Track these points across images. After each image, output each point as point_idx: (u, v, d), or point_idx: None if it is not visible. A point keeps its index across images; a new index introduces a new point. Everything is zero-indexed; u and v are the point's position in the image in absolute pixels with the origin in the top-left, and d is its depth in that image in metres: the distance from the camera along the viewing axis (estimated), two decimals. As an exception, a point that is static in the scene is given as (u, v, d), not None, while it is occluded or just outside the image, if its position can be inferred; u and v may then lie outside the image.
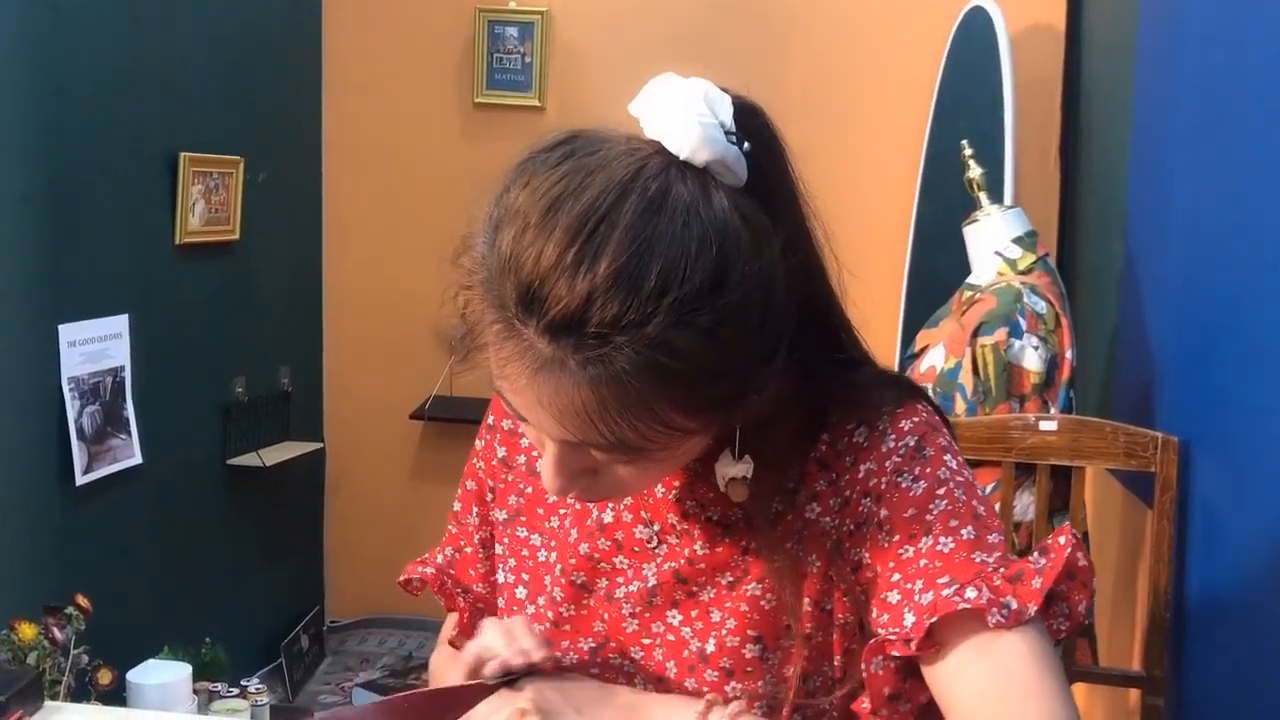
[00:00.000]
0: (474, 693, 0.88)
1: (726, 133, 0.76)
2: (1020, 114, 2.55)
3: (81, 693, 2.15)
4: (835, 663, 0.89)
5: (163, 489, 2.79)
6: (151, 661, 2.43)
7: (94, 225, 2.52)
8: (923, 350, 2.11)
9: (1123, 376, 2.34)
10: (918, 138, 3.01)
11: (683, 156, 0.75)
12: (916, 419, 0.88)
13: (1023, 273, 2.06)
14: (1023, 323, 1.95)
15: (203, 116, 2.90)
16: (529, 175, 0.76)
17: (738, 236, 0.73)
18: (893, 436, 0.87)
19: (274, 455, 3.18)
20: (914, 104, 3.04)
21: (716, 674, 0.89)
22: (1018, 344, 1.95)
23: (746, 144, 0.77)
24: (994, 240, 2.10)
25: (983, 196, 2.15)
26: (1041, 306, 1.97)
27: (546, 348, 0.72)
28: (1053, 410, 1.94)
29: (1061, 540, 0.82)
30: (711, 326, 0.72)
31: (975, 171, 2.15)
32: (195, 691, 2.45)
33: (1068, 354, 1.97)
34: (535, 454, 1.01)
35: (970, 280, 2.12)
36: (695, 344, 0.71)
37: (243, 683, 2.58)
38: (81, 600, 2.14)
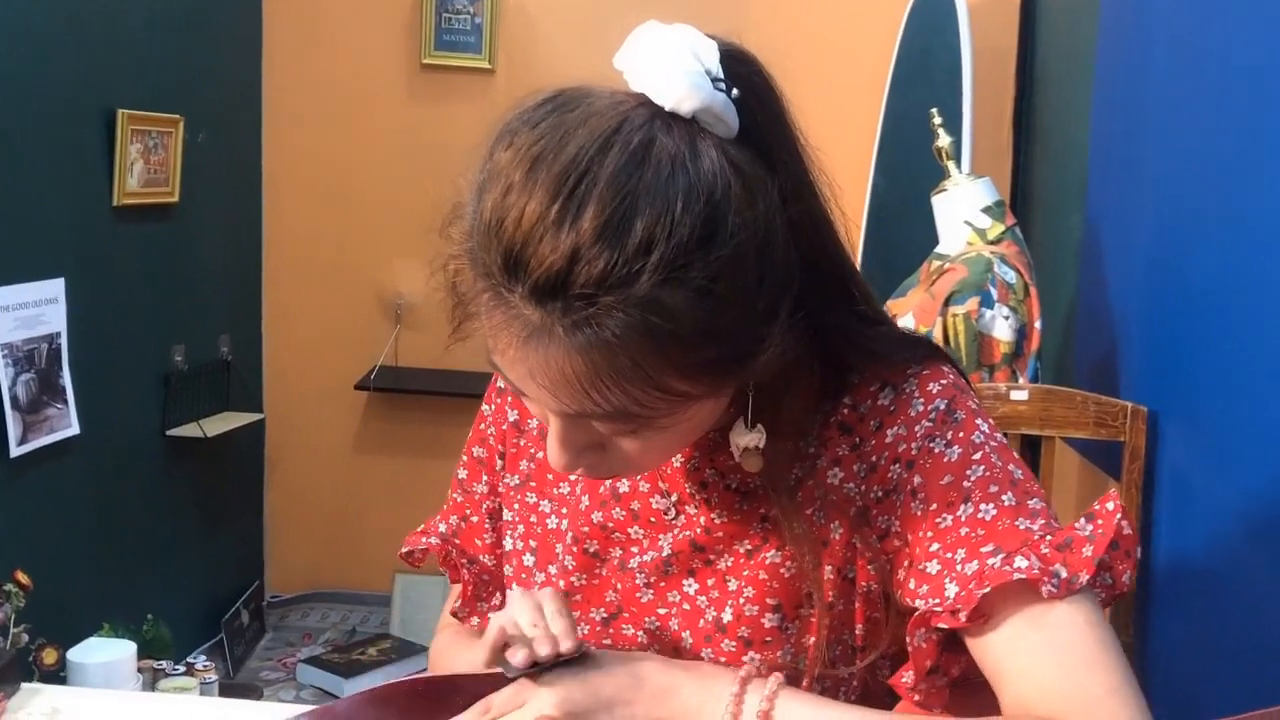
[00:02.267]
0: (490, 682, 0.84)
1: (714, 80, 0.73)
2: (975, 84, 2.53)
3: (23, 673, 2.06)
4: (857, 632, 0.87)
5: (101, 460, 2.70)
6: (93, 639, 2.35)
7: (28, 184, 2.41)
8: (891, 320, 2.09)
9: (1081, 347, 2.35)
10: (874, 109, 3.00)
11: (668, 107, 0.72)
12: (944, 381, 0.85)
13: (992, 242, 2.05)
14: (994, 292, 1.95)
15: (141, 72, 2.79)
16: (511, 135, 0.73)
17: (728, 187, 0.70)
18: (921, 400, 0.84)
19: (214, 426, 3.09)
20: (870, 75, 3.02)
21: (734, 643, 0.87)
22: (988, 314, 1.94)
23: (735, 91, 0.73)
24: (963, 209, 2.09)
25: (951, 166, 2.14)
26: (1011, 276, 1.97)
27: (534, 313, 0.69)
28: (1021, 380, 1.94)
29: (1110, 506, 0.80)
30: (704, 283, 0.68)
31: (944, 140, 2.14)
32: (139, 670, 2.37)
33: (1036, 324, 1.97)
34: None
35: (939, 250, 2.11)
36: (688, 303, 0.68)
37: (189, 660, 2.51)
38: (21, 576, 2.05)
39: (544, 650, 0.79)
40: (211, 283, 3.23)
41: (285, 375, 3.56)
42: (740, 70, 0.75)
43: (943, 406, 0.84)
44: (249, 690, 2.70)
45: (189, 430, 3.01)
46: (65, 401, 2.52)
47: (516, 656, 0.80)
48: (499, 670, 0.81)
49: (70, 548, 2.61)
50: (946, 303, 1.95)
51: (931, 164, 2.19)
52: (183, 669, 2.44)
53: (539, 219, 0.68)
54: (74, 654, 2.27)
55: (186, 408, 3.05)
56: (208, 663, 2.51)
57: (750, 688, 0.80)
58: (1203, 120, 1.66)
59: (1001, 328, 1.94)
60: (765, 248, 0.71)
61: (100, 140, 2.64)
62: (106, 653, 2.29)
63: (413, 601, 3.48)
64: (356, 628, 3.56)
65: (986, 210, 2.09)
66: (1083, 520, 0.80)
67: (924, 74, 2.77)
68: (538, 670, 0.81)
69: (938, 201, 2.14)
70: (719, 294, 0.69)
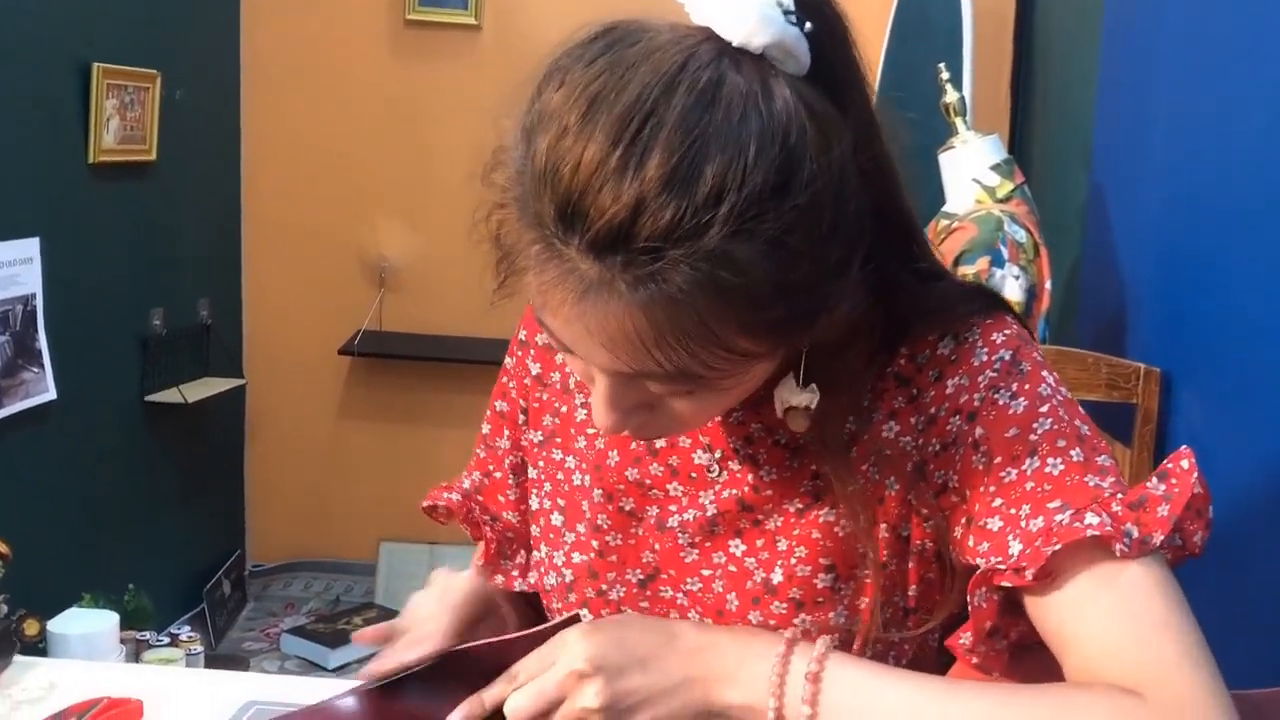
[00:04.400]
0: (507, 647, 0.81)
1: (785, 12, 0.67)
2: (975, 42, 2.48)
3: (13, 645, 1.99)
4: (910, 593, 0.83)
5: (79, 426, 2.63)
6: (74, 610, 2.29)
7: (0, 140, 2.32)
8: (898, 280, 2.05)
9: (1087, 308, 2.32)
10: (870, 69, 2.94)
11: (736, 42, 0.66)
12: (1008, 331, 0.80)
13: (1001, 200, 2.00)
14: (1004, 251, 1.90)
15: (117, 26, 2.70)
16: (564, 74, 0.66)
17: (803, 131, 0.65)
18: (984, 349, 0.79)
19: (194, 391, 3.03)
20: (868, 35, 2.96)
21: (785, 605, 0.83)
22: (999, 273, 1.90)
23: (809, 24, 0.67)
24: (971, 167, 2.04)
25: (959, 122, 2.08)
26: (1022, 235, 1.92)
27: (592, 268, 0.64)
28: (1032, 341, 1.90)
29: (1184, 464, 0.75)
30: (777, 235, 0.63)
31: (952, 96, 2.08)
32: (122, 641, 2.31)
33: (1046, 284, 1.93)
34: (570, 371, 0.93)
35: (946, 209, 2.07)
36: (759, 256, 0.63)
37: (173, 630, 2.45)
38: (1, 545, 1.98)
39: (389, 664, 0.84)
40: (191, 244, 3.15)
41: (266, 340, 3.49)
42: (811, 1, 0.69)
43: (1008, 357, 0.79)
44: (234, 661, 2.64)
45: (169, 396, 2.95)
46: (42, 366, 2.44)
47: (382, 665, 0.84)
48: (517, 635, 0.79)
49: (48, 516, 2.55)
50: (956, 262, 1.90)
51: (927, 124, 2.13)
52: (167, 640, 2.39)
53: (599, 165, 0.62)
54: (55, 625, 2.21)
55: (166, 373, 2.98)
56: (192, 633, 2.46)
57: (798, 650, 0.75)
58: (1218, 76, 1.63)
59: (1012, 288, 1.89)
60: (839, 196, 0.66)
61: (75, 95, 2.56)
62: (88, 624, 2.23)
63: (398, 570, 3.43)
64: (341, 597, 3.51)
65: (995, 168, 2.04)
66: (1154, 479, 0.75)
67: (922, 33, 2.71)
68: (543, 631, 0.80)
69: (945, 159, 2.09)
70: (792, 246, 0.64)
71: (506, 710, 0.77)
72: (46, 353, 2.45)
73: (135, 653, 2.33)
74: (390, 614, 3.28)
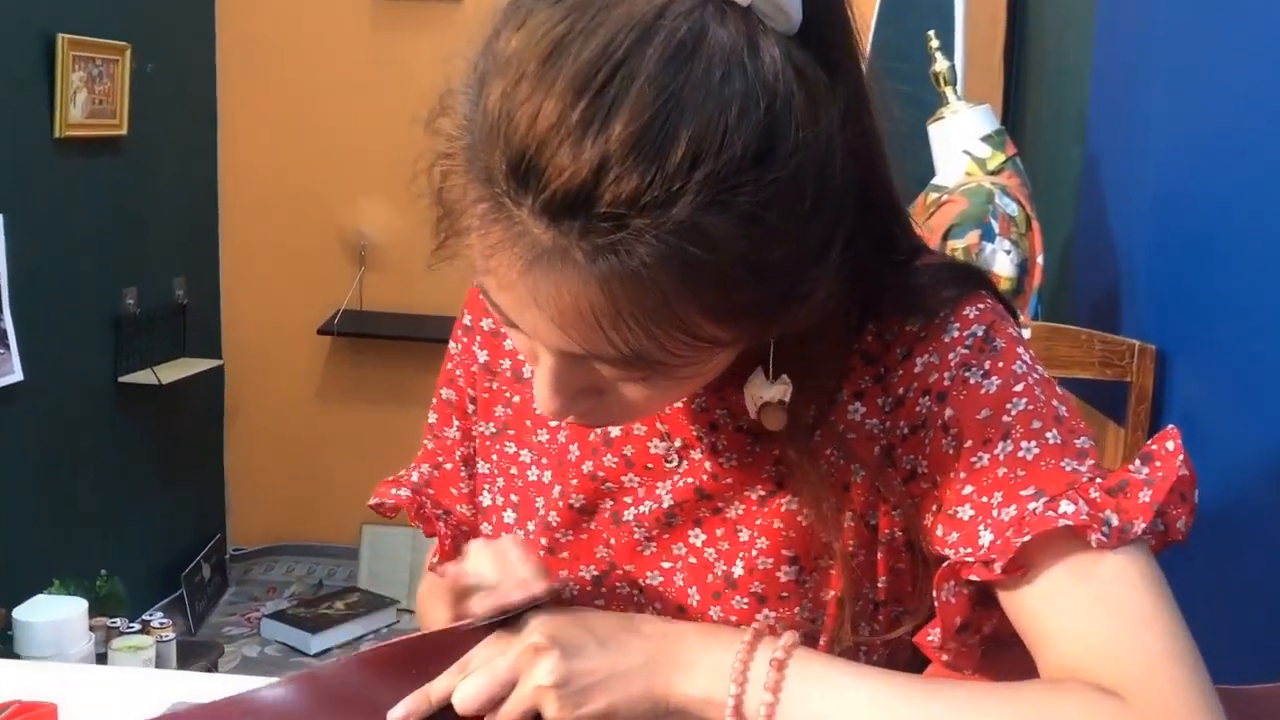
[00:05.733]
0: (463, 636, 0.74)
1: None
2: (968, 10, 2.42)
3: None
4: (879, 585, 0.77)
5: (48, 408, 2.58)
6: (41, 597, 2.23)
7: (-41, 112, 2.26)
8: (885, 256, 1.99)
9: (1080, 284, 2.27)
10: (863, 30, 2.87)
11: None
12: (982, 305, 0.74)
13: (992, 172, 1.95)
14: (995, 225, 1.84)
15: (83, -5, 2.62)
16: (525, 13, 0.59)
17: (790, 96, 0.58)
18: (956, 325, 0.73)
19: (169, 373, 2.97)
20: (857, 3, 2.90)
21: (746, 600, 0.77)
22: (989, 247, 1.84)
23: None
24: (962, 138, 1.98)
25: (949, 92, 2.02)
26: (1013, 208, 1.86)
27: (545, 233, 0.57)
28: (1023, 318, 1.85)
29: (1170, 445, 0.69)
30: (754, 210, 0.57)
31: (942, 64, 2.02)
32: (92, 628, 2.25)
33: (1039, 259, 1.88)
34: (523, 358, 0.85)
35: (936, 181, 2.01)
36: (733, 231, 0.57)
37: (144, 617, 2.39)
38: (-39, 531, 1.92)
39: (515, 596, 0.71)
40: (165, 222, 3.09)
41: (244, 320, 3.43)
42: None
43: (980, 333, 0.73)
44: (205, 648, 2.59)
45: (142, 377, 2.90)
46: (7, 346, 2.38)
47: (483, 605, 0.72)
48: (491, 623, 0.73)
49: (15, 500, 2.49)
50: (945, 236, 1.85)
51: (917, 95, 2.07)
52: (138, 627, 2.33)
53: (559, 119, 0.56)
54: (20, 613, 2.16)
55: (140, 354, 2.93)
56: (164, 620, 2.41)
57: (764, 641, 0.71)
58: (1219, 45, 1.58)
59: (1003, 262, 1.84)
60: (823, 172, 0.59)
61: (39, 68, 2.49)
62: (55, 611, 2.18)
63: (381, 554, 3.38)
64: (323, 581, 3.46)
65: (986, 139, 1.98)
66: (1138, 462, 0.69)
67: (913, 2, 2.65)
68: (507, 620, 0.72)
69: (934, 130, 2.02)
70: (770, 224, 0.57)
71: (455, 700, 0.70)
72: (12, 333, 2.39)
73: (105, 640, 2.27)
74: (373, 598, 3.25)
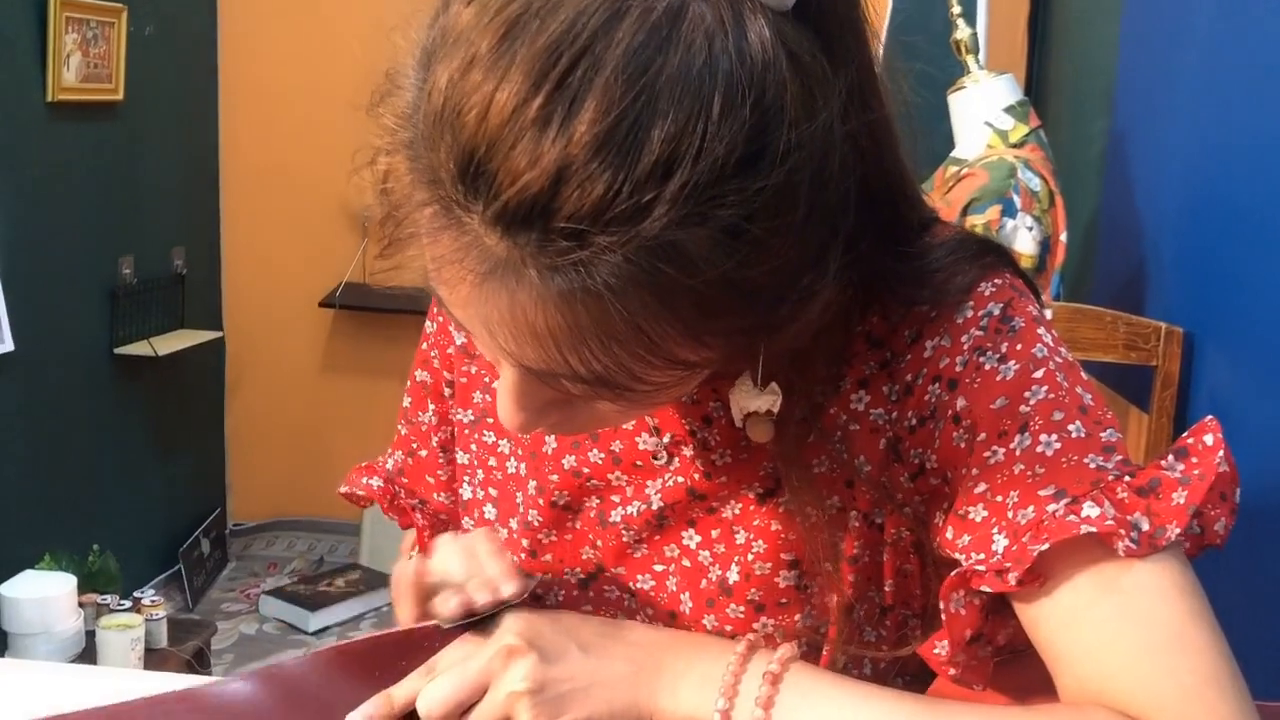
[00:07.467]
0: (433, 635, 0.68)
1: None
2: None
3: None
4: (886, 588, 0.70)
5: (41, 380, 2.53)
6: (29, 572, 2.19)
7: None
8: (902, 231, 1.92)
9: (1104, 263, 2.21)
10: (880, 5, 2.79)
11: None
12: (999, 281, 0.67)
13: (1015, 145, 1.87)
14: (1017, 200, 1.77)
15: (76, -46, 2.55)
16: None
17: (782, 86, 0.50)
18: (970, 304, 0.66)
19: (167, 344, 2.93)
20: (875, -32, 2.82)
21: (743, 608, 0.71)
22: (1010, 224, 1.77)
23: None
24: (983, 109, 1.91)
25: (970, 60, 1.94)
26: (1036, 183, 1.79)
27: (498, 244, 0.50)
28: (1045, 298, 1.78)
29: (1208, 439, 0.62)
30: (737, 223, 0.49)
31: (964, 32, 1.94)
32: (81, 605, 2.21)
33: (1061, 236, 1.81)
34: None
35: (955, 154, 1.94)
36: (713, 248, 0.49)
37: (135, 594, 2.35)
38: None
39: (481, 597, 0.66)
40: (163, 190, 3.03)
41: (245, 291, 3.39)
42: None
43: (997, 311, 0.65)
44: (198, 626, 2.54)
45: (139, 349, 2.85)
46: (-3, 315, 2.33)
47: (449, 605, 0.67)
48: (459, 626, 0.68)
49: (6, 474, 2.44)
50: (964, 211, 1.78)
51: (938, 62, 1.99)
52: (128, 604, 2.28)
53: (514, 113, 0.48)
54: (7, 589, 2.12)
55: (136, 325, 2.88)
56: (156, 597, 2.36)
57: (760, 652, 0.65)
58: (1257, 12, 1.50)
59: (1024, 239, 1.77)
60: (821, 173, 0.52)
61: (31, 29, 2.43)
62: (43, 587, 2.14)
63: (383, 530, 3.34)
64: (324, 557, 3.42)
65: (1009, 110, 1.90)
66: (1171, 458, 0.62)
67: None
68: (477, 622, 0.67)
69: (955, 100, 1.95)
70: (756, 238, 0.50)
71: (420, 704, 0.64)
72: (2, 301, 2.33)
73: (95, 617, 2.23)
74: (374, 575, 3.20)
